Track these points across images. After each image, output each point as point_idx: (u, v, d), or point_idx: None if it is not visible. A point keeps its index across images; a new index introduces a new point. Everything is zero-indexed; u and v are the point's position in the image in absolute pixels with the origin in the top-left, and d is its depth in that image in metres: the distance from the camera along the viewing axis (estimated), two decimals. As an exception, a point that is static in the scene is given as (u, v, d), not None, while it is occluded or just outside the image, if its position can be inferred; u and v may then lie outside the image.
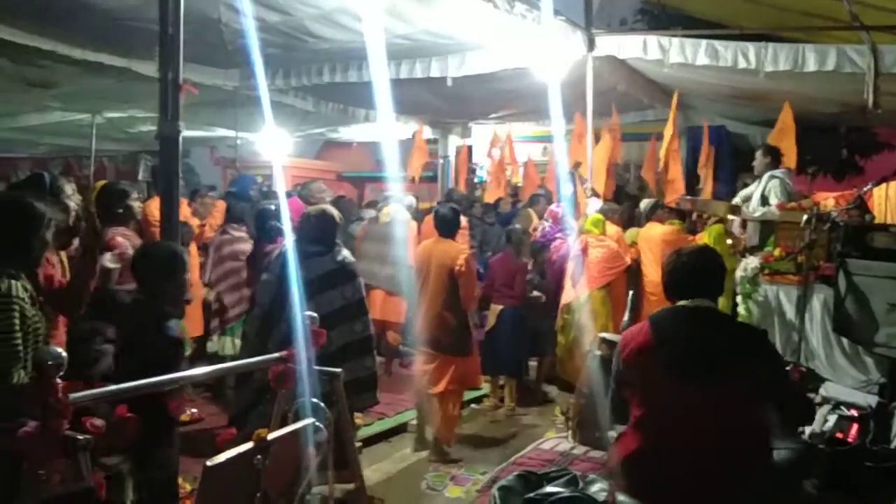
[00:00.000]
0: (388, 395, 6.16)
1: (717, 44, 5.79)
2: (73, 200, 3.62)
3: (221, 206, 7.02)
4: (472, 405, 6.18)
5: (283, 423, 2.93)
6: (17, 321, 2.59)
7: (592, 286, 5.98)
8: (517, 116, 9.75)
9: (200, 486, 2.20)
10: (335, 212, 4.29)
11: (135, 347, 3.01)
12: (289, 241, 4.09)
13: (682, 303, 2.65)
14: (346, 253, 4.17)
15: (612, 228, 6.36)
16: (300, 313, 3.33)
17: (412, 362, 6.07)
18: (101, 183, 5.30)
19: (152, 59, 5.40)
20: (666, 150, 6.99)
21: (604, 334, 4.53)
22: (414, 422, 5.35)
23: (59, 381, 2.07)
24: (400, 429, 5.55)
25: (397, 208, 6.72)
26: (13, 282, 2.64)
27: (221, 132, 10.07)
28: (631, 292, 5.73)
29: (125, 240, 4.06)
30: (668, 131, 6.92)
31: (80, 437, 2.06)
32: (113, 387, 2.28)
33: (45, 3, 4.80)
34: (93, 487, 1.92)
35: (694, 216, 7.01)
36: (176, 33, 3.27)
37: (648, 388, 2.59)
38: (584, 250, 6.03)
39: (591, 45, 6.28)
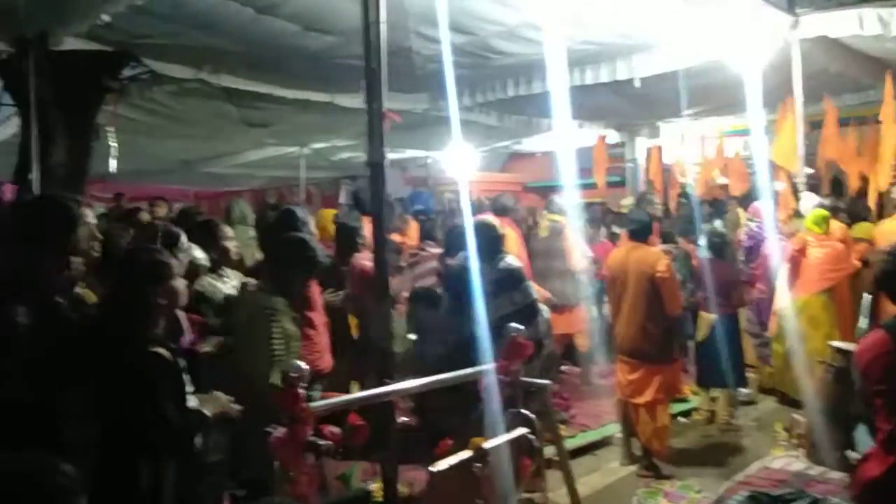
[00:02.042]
0: (588, 405, 6.07)
1: (952, 6, 5.04)
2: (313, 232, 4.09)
3: (414, 224, 7.36)
4: (681, 418, 5.85)
5: (493, 434, 2.99)
6: (277, 330, 2.98)
7: (812, 290, 5.41)
8: (711, 112, 9.16)
9: (426, 492, 2.30)
10: (494, 221, 4.38)
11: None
12: (470, 256, 4.19)
13: None
14: (509, 260, 4.23)
15: (835, 225, 5.71)
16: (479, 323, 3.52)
17: (609, 371, 5.90)
18: (327, 213, 5.86)
19: (351, 92, 5.81)
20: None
21: (836, 343, 4.08)
22: (618, 434, 5.19)
23: (302, 391, 2.27)
24: (604, 441, 5.41)
25: (555, 219, 6.51)
26: (275, 297, 3.08)
27: (411, 153, 10.57)
28: (868, 295, 5.10)
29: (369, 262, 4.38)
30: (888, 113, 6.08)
31: (321, 442, 2.26)
32: (347, 397, 2.46)
33: (260, 52, 5.36)
34: (369, 491, 2.09)
35: None
36: (378, 66, 3.48)
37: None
38: (802, 251, 5.48)
39: (795, 26, 5.74)
